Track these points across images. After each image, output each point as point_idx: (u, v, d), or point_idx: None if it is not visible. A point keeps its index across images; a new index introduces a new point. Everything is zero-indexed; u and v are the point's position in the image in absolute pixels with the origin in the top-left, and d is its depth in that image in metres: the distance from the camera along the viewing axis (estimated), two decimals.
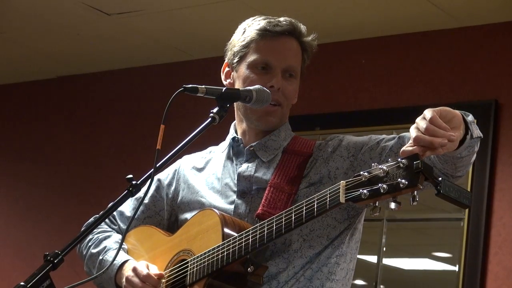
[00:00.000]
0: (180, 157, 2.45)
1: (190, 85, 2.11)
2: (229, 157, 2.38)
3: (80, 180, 5.63)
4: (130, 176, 2.00)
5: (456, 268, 4.13)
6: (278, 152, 2.32)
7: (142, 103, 5.50)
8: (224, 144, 2.42)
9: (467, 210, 4.06)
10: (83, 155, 5.69)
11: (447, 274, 4.32)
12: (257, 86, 2.23)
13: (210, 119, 2.11)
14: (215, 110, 2.13)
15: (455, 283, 4.10)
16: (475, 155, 2.06)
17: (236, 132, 2.39)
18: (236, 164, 2.34)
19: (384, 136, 2.25)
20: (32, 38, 5.26)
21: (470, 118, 2.00)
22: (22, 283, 1.82)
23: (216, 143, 2.50)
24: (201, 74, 5.02)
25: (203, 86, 2.13)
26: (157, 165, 2.03)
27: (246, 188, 2.29)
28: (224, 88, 2.16)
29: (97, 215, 2.35)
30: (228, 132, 2.43)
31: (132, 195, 1.99)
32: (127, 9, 4.70)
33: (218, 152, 2.44)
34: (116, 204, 2.01)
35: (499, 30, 4.29)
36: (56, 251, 1.89)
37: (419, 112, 1.89)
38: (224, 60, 2.41)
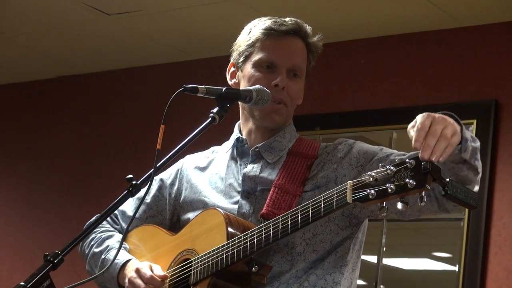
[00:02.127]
0: (180, 157, 2.45)
1: (190, 85, 2.10)
2: (233, 158, 2.37)
3: (80, 180, 5.63)
4: (130, 176, 2.00)
5: (456, 268, 4.13)
6: (283, 153, 2.32)
7: (142, 103, 5.50)
8: (228, 144, 2.42)
9: (467, 210, 4.06)
10: (83, 155, 5.69)
11: (447, 274, 4.32)
12: (257, 86, 2.23)
13: (210, 119, 2.11)
14: (215, 110, 2.12)
15: (455, 283, 4.10)
16: (478, 176, 2.04)
17: (240, 132, 2.39)
18: (241, 165, 2.34)
19: (395, 151, 2.23)
20: (32, 38, 5.26)
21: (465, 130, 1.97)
22: (22, 283, 1.82)
23: (215, 142, 2.50)
24: (201, 74, 5.03)
25: (203, 86, 2.13)
26: (157, 165, 2.03)
27: (250, 189, 2.29)
28: (224, 88, 2.16)
29: (99, 215, 2.36)
30: (228, 132, 2.42)
31: (132, 195, 1.99)
32: (127, 9, 4.70)
33: (221, 152, 2.43)
34: (116, 204, 2.01)
35: (499, 30, 4.29)
36: (56, 251, 1.88)
37: (419, 112, 1.89)
38: (230, 61, 2.41)
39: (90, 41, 5.21)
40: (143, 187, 2.01)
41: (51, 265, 1.86)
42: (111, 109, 5.66)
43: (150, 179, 2.02)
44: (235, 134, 2.39)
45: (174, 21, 4.78)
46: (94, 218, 2.41)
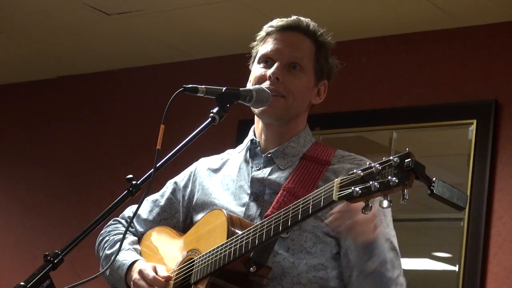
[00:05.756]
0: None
1: (190, 85, 2.11)
2: (245, 160, 2.37)
3: (80, 180, 5.64)
4: (130, 176, 2.01)
5: (456, 268, 4.13)
6: (296, 159, 2.31)
7: (142, 103, 5.50)
8: (242, 146, 2.42)
9: (467, 210, 4.06)
10: (83, 155, 5.69)
11: (447, 274, 4.32)
12: (257, 86, 2.24)
13: (210, 119, 2.12)
14: (215, 110, 2.13)
15: (455, 283, 4.10)
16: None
17: (255, 135, 2.39)
18: (252, 167, 2.34)
19: None
20: (32, 38, 5.26)
21: None
22: (22, 283, 1.83)
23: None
24: (201, 74, 5.03)
25: (203, 86, 2.14)
26: (157, 165, 2.03)
27: (259, 191, 2.28)
28: (224, 88, 2.16)
29: (116, 218, 2.46)
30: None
31: (132, 195, 1.99)
32: (127, 9, 4.70)
33: (235, 154, 2.44)
34: (116, 204, 2.01)
35: (499, 30, 4.30)
36: (56, 251, 1.89)
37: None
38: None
39: (90, 41, 5.21)
40: (143, 187, 2.01)
41: (51, 265, 1.87)
42: (111, 109, 5.66)
43: (150, 179, 2.03)
44: (250, 136, 2.39)
45: (174, 21, 4.79)
46: (111, 221, 2.46)
